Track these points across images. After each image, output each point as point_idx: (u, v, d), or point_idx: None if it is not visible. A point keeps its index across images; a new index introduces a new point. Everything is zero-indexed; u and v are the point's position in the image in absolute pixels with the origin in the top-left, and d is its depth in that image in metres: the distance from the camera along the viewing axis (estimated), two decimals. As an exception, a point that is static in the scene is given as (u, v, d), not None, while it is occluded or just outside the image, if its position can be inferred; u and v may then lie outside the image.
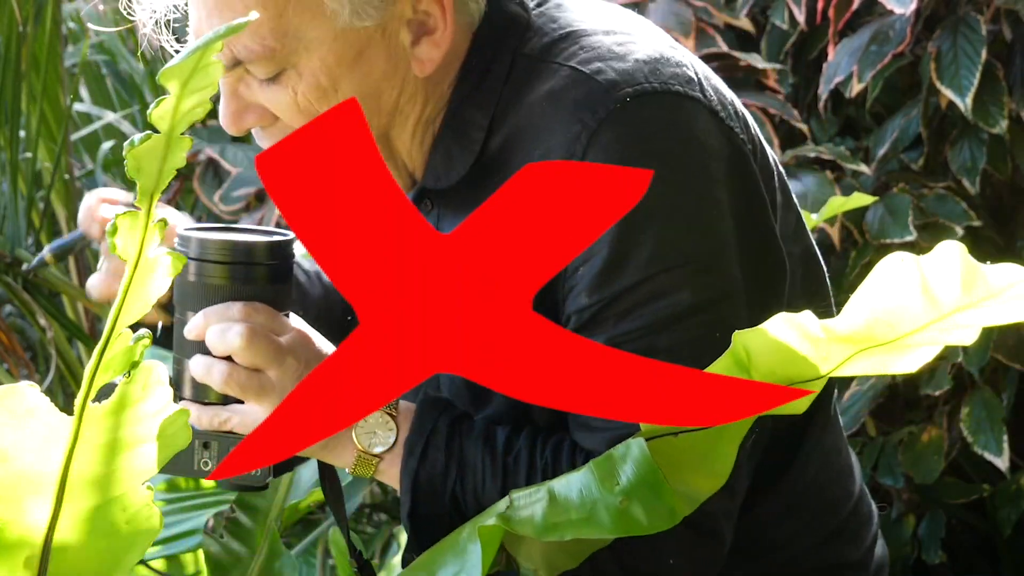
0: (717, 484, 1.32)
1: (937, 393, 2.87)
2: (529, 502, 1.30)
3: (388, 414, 1.51)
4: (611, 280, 1.44)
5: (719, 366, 1.23)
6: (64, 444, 1.27)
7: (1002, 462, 2.80)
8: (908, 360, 1.20)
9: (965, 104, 2.74)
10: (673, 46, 1.53)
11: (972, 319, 1.16)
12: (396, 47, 1.51)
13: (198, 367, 1.50)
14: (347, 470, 1.54)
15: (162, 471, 1.50)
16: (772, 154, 1.59)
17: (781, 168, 1.61)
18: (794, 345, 1.21)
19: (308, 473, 2.32)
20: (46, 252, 1.66)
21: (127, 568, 1.35)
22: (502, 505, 1.33)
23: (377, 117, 1.53)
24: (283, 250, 1.54)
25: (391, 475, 1.53)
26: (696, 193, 1.46)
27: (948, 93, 2.75)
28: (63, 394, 3.60)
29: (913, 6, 2.76)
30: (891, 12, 2.82)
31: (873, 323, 1.18)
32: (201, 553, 2.16)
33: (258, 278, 1.52)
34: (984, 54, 2.75)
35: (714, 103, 1.50)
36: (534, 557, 1.36)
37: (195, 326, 1.51)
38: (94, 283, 1.69)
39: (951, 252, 1.15)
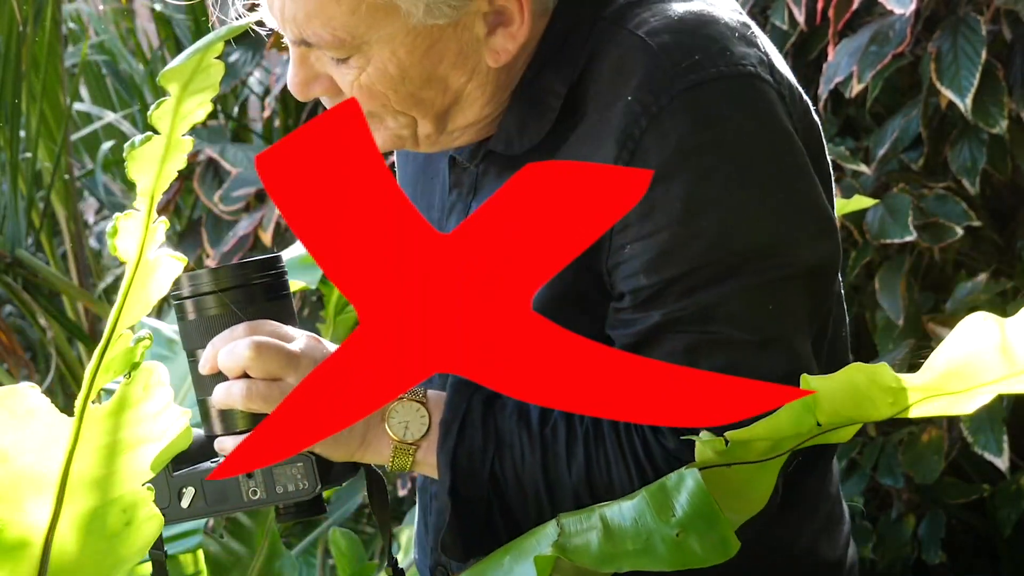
0: (754, 511, 1.32)
1: (937, 393, 2.87)
2: (581, 528, 1.30)
3: (418, 402, 1.51)
4: (672, 263, 1.44)
5: (788, 409, 1.24)
6: (64, 445, 1.27)
7: (1002, 462, 2.80)
8: (968, 404, 1.22)
9: (965, 104, 2.74)
10: (743, 18, 1.50)
11: None
12: (470, 39, 1.49)
13: (218, 394, 1.50)
14: (386, 466, 1.53)
15: (214, 512, 1.51)
16: (819, 126, 1.57)
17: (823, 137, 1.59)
18: (864, 392, 1.22)
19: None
20: None
21: (127, 568, 1.35)
22: (552, 530, 1.32)
23: (442, 97, 1.51)
24: (273, 264, 1.54)
25: (429, 463, 1.51)
26: (765, 178, 1.45)
27: (948, 93, 2.75)
28: (63, 394, 3.60)
29: (913, 6, 2.76)
30: (891, 12, 2.82)
31: (947, 375, 1.21)
32: (201, 553, 2.16)
33: (255, 297, 1.52)
34: (984, 54, 2.75)
35: (783, 85, 1.48)
36: (568, 571, 1.36)
37: (206, 359, 1.51)
38: None
39: None
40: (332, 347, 1.53)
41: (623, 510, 1.29)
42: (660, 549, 1.26)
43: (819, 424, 1.24)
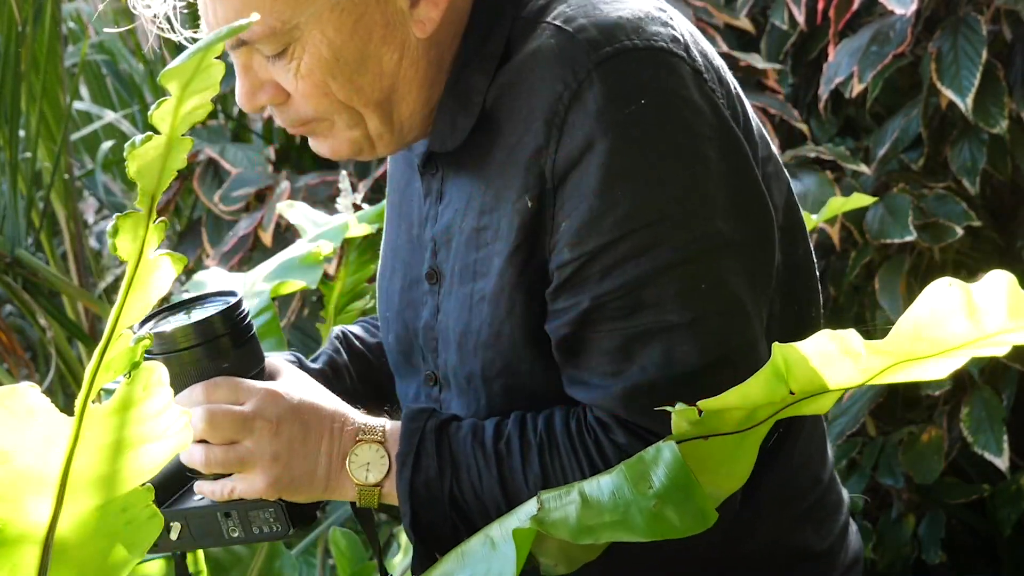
0: (736, 485, 1.32)
1: (937, 393, 2.87)
2: (560, 504, 1.31)
3: (377, 442, 1.54)
4: (591, 235, 1.46)
5: (759, 377, 1.24)
6: (64, 444, 1.27)
7: (1002, 462, 2.80)
8: (939, 368, 1.23)
9: (965, 104, 2.74)
10: (663, 8, 1.54)
11: (1012, 340, 1.19)
12: (394, 11, 1.53)
13: (183, 457, 1.55)
14: (353, 504, 1.56)
15: (200, 546, 1.57)
16: (758, 126, 1.59)
17: (768, 140, 1.61)
18: (834, 358, 1.22)
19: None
20: None
21: (127, 568, 1.35)
22: (532, 507, 1.33)
23: (379, 81, 1.54)
24: (232, 315, 1.56)
25: (393, 496, 1.54)
26: (677, 150, 1.46)
27: (948, 93, 2.75)
28: (63, 394, 3.60)
29: (913, 7, 2.76)
30: (891, 12, 2.82)
31: (915, 340, 1.21)
32: (201, 553, 2.16)
33: (222, 350, 1.54)
34: (984, 54, 2.75)
35: (698, 64, 1.50)
36: (553, 552, 1.37)
37: None
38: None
39: (999, 280, 1.19)
40: (292, 390, 1.55)
41: (601, 484, 1.30)
42: (637, 520, 1.26)
43: (792, 393, 1.24)
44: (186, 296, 1.62)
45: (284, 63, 1.53)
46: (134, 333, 1.50)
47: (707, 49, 1.55)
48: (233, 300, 1.57)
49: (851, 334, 1.22)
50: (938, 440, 2.91)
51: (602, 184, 1.44)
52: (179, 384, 1.54)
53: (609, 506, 1.28)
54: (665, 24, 1.50)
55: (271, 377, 1.58)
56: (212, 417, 1.51)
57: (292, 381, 1.57)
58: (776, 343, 1.24)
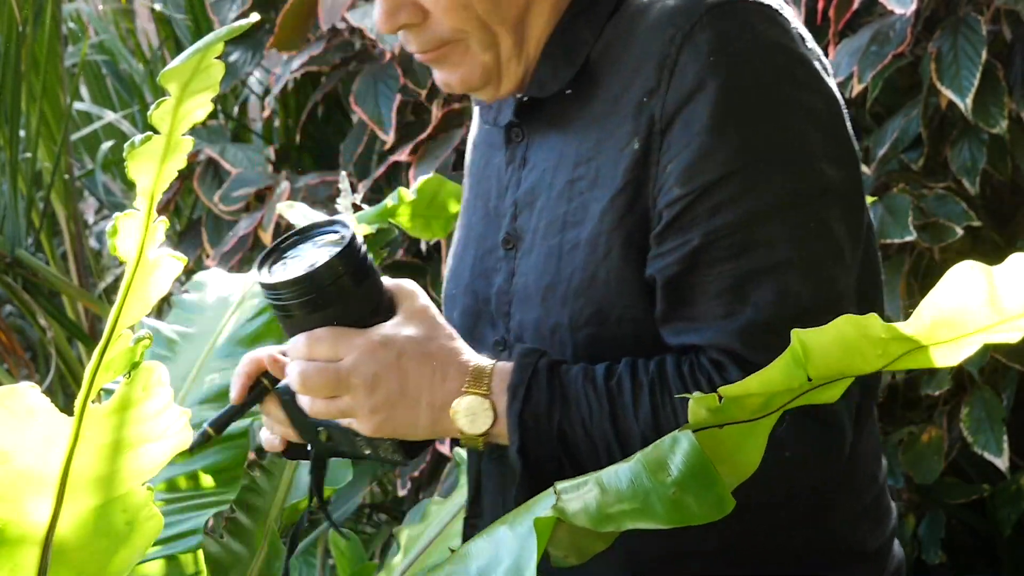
0: (742, 477, 1.32)
1: (937, 393, 2.87)
2: (579, 493, 1.31)
3: (482, 395, 1.53)
4: (701, 172, 1.49)
5: (780, 362, 1.24)
6: (64, 444, 1.27)
7: (1002, 462, 2.80)
8: (953, 356, 1.23)
9: (965, 104, 2.74)
10: None
11: None
12: None
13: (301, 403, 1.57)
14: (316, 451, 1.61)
15: (339, 452, 1.63)
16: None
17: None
18: (853, 343, 1.23)
19: (307, 473, 2.32)
20: (206, 427, 1.67)
21: (127, 568, 1.35)
22: (550, 497, 1.33)
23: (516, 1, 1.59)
24: (349, 254, 1.52)
25: (500, 437, 1.55)
26: (784, 95, 1.53)
27: (948, 93, 2.75)
28: (63, 394, 3.60)
29: (913, 6, 2.76)
30: (891, 12, 2.82)
31: (936, 324, 1.21)
32: (201, 553, 2.16)
33: (342, 291, 1.52)
34: (984, 54, 2.75)
35: (801, 30, 1.58)
36: (563, 542, 1.37)
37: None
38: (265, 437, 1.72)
39: (1021, 263, 1.19)
40: (394, 344, 1.53)
41: (619, 473, 1.30)
42: (657, 508, 1.27)
43: (809, 379, 1.24)
44: (301, 225, 1.59)
45: None
46: (260, 271, 1.52)
47: (801, 26, 1.62)
48: (348, 235, 1.52)
49: (872, 318, 1.22)
50: (938, 440, 2.90)
51: (712, 122, 1.49)
52: (295, 330, 1.53)
53: (628, 494, 1.28)
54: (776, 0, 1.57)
55: (391, 307, 1.56)
56: (305, 377, 1.51)
57: (403, 323, 1.55)
58: (796, 330, 1.24)
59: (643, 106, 1.51)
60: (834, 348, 1.23)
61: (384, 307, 1.55)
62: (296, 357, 1.53)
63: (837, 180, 1.53)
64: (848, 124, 1.60)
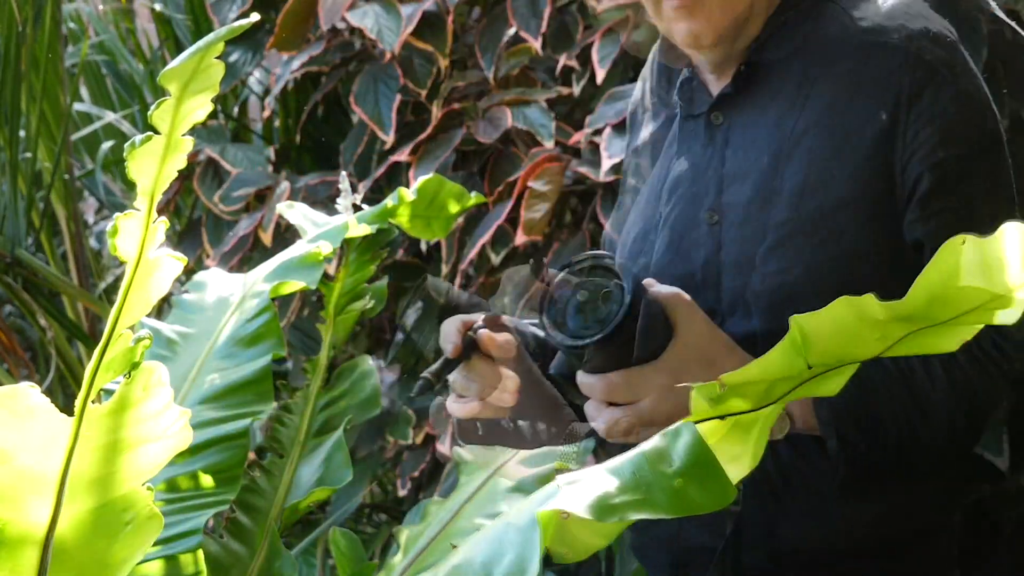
0: (742, 472, 1.32)
1: (937, 393, 2.87)
2: (581, 486, 1.31)
3: None
4: (955, 140, 1.69)
5: (779, 349, 1.24)
6: (64, 444, 1.27)
7: (1002, 462, 2.80)
8: (953, 339, 1.23)
9: (965, 104, 2.74)
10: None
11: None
12: None
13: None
14: None
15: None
16: None
17: None
18: (851, 326, 1.23)
19: (308, 473, 2.32)
20: (426, 375, 1.72)
21: (127, 568, 1.35)
22: (551, 490, 1.33)
23: None
24: (634, 300, 1.58)
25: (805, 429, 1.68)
26: (985, 93, 1.77)
27: (948, 93, 2.75)
28: (63, 394, 3.60)
29: (913, 6, 2.76)
30: (891, 12, 2.82)
31: (933, 303, 1.21)
32: (201, 553, 2.16)
33: (631, 331, 1.59)
34: (985, 54, 2.75)
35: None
36: (563, 539, 1.37)
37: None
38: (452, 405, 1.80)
39: (1013, 233, 1.18)
40: (680, 379, 1.59)
41: (621, 465, 1.30)
42: (660, 498, 1.27)
43: (809, 367, 1.24)
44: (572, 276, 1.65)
45: None
46: (551, 330, 1.61)
47: None
48: (631, 282, 1.59)
49: (868, 299, 1.22)
50: (938, 440, 2.91)
51: (956, 99, 1.70)
52: (591, 367, 1.61)
53: (631, 485, 1.28)
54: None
55: (664, 317, 1.63)
56: (612, 426, 1.62)
57: (687, 348, 1.63)
58: (794, 316, 1.25)
59: (887, 82, 1.68)
60: (832, 332, 1.23)
61: (661, 321, 1.62)
62: (595, 399, 1.63)
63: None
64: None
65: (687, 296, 1.64)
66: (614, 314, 1.58)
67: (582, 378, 1.63)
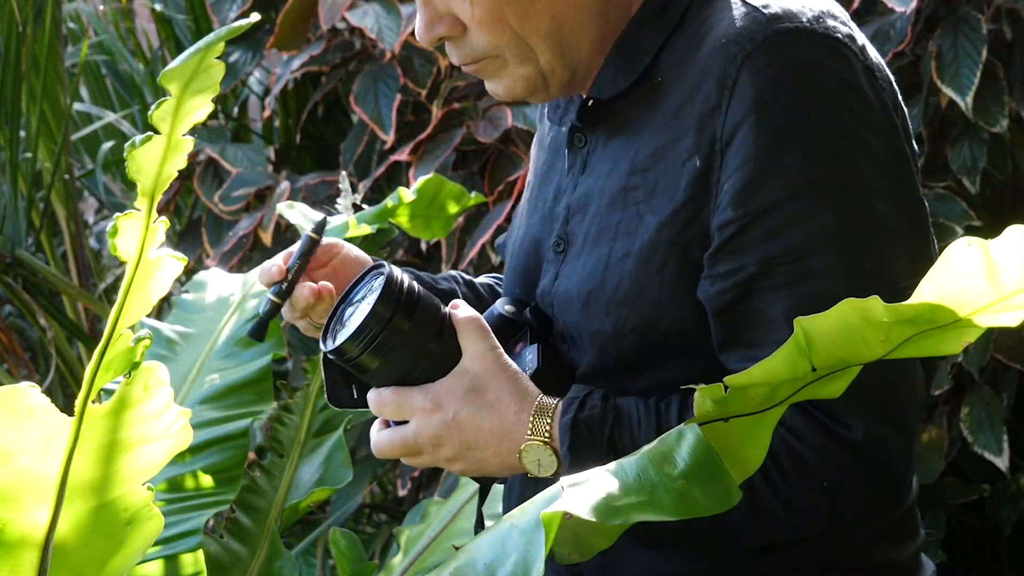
0: (746, 474, 1.32)
1: (937, 393, 2.87)
2: (585, 488, 1.31)
3: (543, 442, 1.56)
4: (755, 195, 1.49)
5: (783, 351, 1.24)
6: (64, 444, 1.27)
7: (1002, 462, 2.80)
8: (955, 342, 1.22)
9: (966, 103, 2.74)
10: (846, 18, 1.59)
11: None
12: None
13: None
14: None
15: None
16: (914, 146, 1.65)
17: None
18: (856, 328, 1.22)
19: (308, 473, 2.32)
20: (271, 295, 1.70)
21: (127, 568, 1.35)
22: (556, 492, 1.33)
23: (552, 8, 1.59)
24: (388, 294, 1.55)
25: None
26: (842, 128, 1.51)
27: (949, 92, 2.75)
28: (63, 394, 3.60)
29: (914, 5, 2.76)
30: (892, 11, 2.82)
31: (938, 306, 1.20)
32: (201, 553, 2.16)
33: (398, 331, 1.55)
34: (985, 53, 2.75)
35: (871, 61, 1.56)
36: (567, 539, 1.37)
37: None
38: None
39: (1017, 236, 1.17)
40: (451, 401, 1.57)
41: (625, 467, 1.30)
42: (664, 500, 1.27)
43: (814, 369, 1.24)
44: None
45: None
46: (324, 343, 1.56)
47: (870, 47, 1.60)
48: (383, 274, 1.56)
49: (873, 300, 1.22)
50: (938, 440, 2.90)
51: (769, 145, 1.49)
52: (375, 380, 1.59)
53: (635, 487, 1.28)
54: (845, 23, 1.56)
55: (451, 329, 1.59)
56: (379, 449, 1.61)
57: (461, 373, 1.58)
58: (798, 318, 1.24)
59: (705, 123, 1.52)
60: (837, 334, 1.23)
61: (445, 330, 1.58)
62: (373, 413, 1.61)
63: (892, 217, 1.51)
64: (913, 164, 1.57)
65: (483, 322, 1.59)
66: (367, 312, 1.55)
67: (369, 393, 1.61)
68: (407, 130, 3.21)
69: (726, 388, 1.27)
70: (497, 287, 1.90)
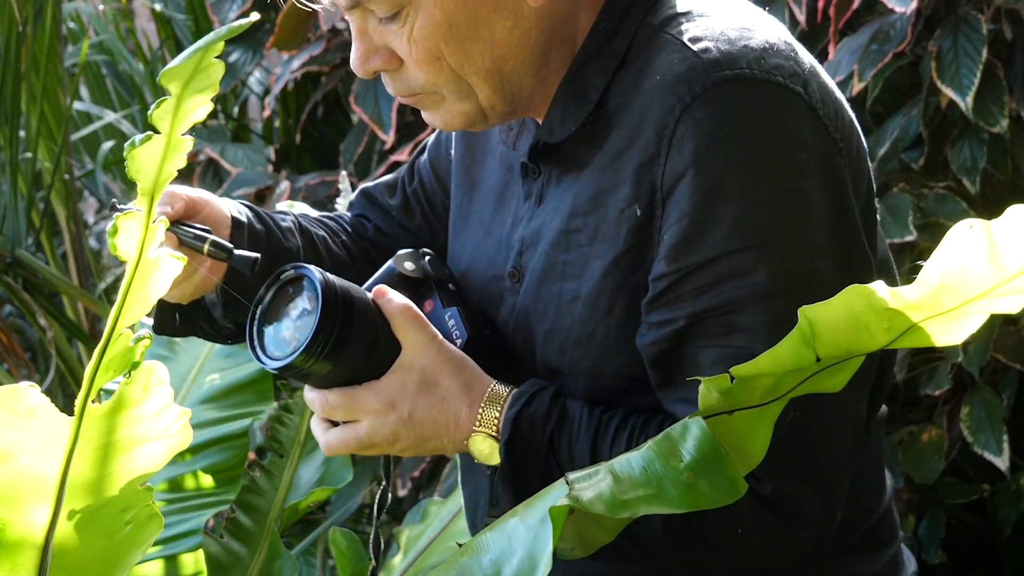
0: (752, 465, 1.32)
1: (937, 393, 2.87)
2: (592, 482, 1.31)
3: (492, 437, 1.57)
4: (690, 251, 1.48)
5: (788, 341, 1.24)
6: (64, 444, 1.27)
7: (1002, 462, 2.80)
8: (958, 331, 1.22)
9: (966, 103, 2.74)
10: (788, 40, 1.55)
11: None
12: None
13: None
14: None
15: None
16: (868, 165, 1.60)
17: (872, 180, 1.62)
18: (860, 315, 1.22)
19: (308, 473, 2.32)
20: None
21: (127, 568, 1.35)
22: (563, 488, 1.33)
23: (491, 49, 1.55)
24: (330, 311, 1.53)
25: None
26: (781, 181, 1.48)
27: (949, 92, 2.75)
28: (63, 394, 3.60)
29: (914, 5, 2.76)
30: (892, 11, 2.82)
31: (941, 289, 1.20)
32: (201, 553, 2.16)
33: (340, 342, 1.54)
34: (985, 53, 2.75)
35: (815, 100, 1.51)
36: (569, 535, 1.37)
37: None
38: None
39: (1019, 216, 1.17)
40: (404, 398, 1.57)
41: (631, 460, 1.30)
42: (671, 492, 1.27)
43: (818, 359, 1.24)
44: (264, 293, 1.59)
45: (397, 27, 1.54)
46: (257, 353, 1.55)
47: (827, 82, 1.56)
48: (317, 286, 1.53)
49: (878, 285, 1.21)
50: (938, 440, 2.90)
51: (705, 201, 1.46)
52: (317, 384, 1.58)
53: (641, 480, 1.28)
54: (788, 57, 1.52)
55: (387, 327, 1.57)
56: (331, 448, 1.61)
57: (409, 367, 1.57)
58: (802, 308, 1.23)
59: (644, 171, 1.49)
60: (841, 322, 1.22)
61: (380, 323, 1.57)
62: (317, 415, 1.61)
63: (830, 273, 1.49)
64: (853, 210, 1.54)
65: (416, 311, 1.58)
66: (308, 332, 1.52)
67: (306, 393, 1.60)
68: (407, 130, 3.21)
69: (732, 378, 1.26)
70: (339, 221, 1.86)
